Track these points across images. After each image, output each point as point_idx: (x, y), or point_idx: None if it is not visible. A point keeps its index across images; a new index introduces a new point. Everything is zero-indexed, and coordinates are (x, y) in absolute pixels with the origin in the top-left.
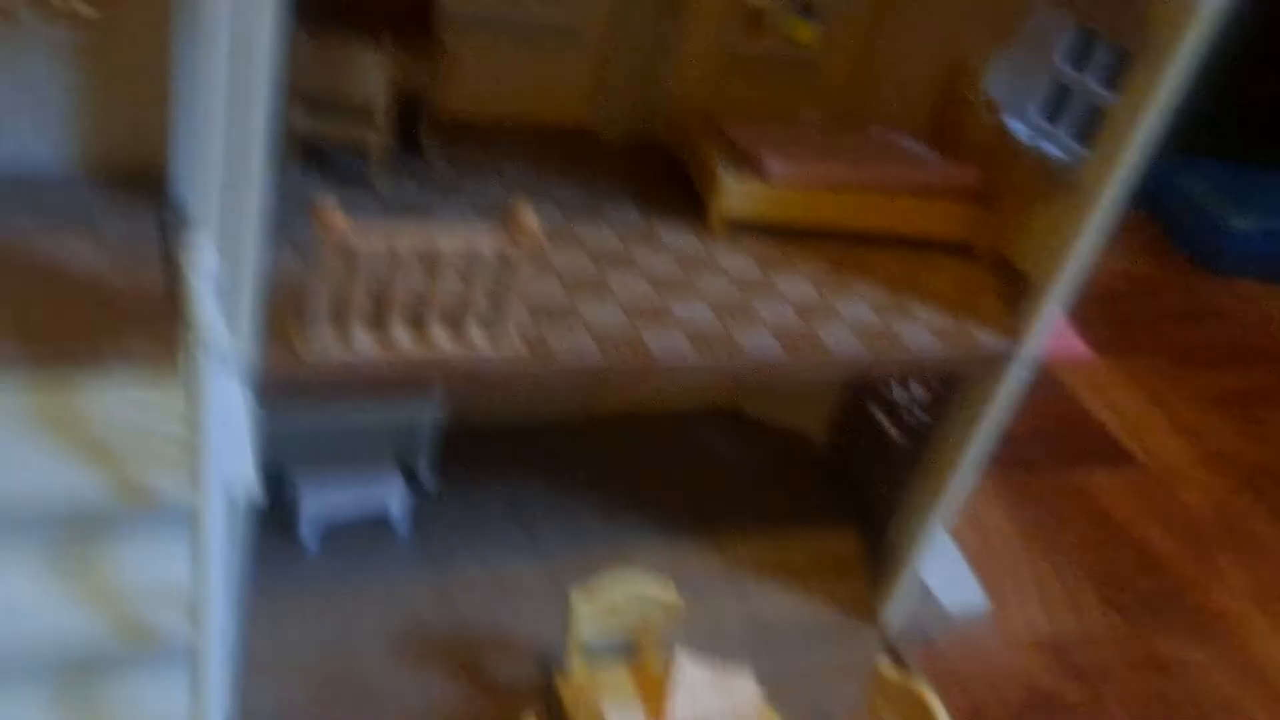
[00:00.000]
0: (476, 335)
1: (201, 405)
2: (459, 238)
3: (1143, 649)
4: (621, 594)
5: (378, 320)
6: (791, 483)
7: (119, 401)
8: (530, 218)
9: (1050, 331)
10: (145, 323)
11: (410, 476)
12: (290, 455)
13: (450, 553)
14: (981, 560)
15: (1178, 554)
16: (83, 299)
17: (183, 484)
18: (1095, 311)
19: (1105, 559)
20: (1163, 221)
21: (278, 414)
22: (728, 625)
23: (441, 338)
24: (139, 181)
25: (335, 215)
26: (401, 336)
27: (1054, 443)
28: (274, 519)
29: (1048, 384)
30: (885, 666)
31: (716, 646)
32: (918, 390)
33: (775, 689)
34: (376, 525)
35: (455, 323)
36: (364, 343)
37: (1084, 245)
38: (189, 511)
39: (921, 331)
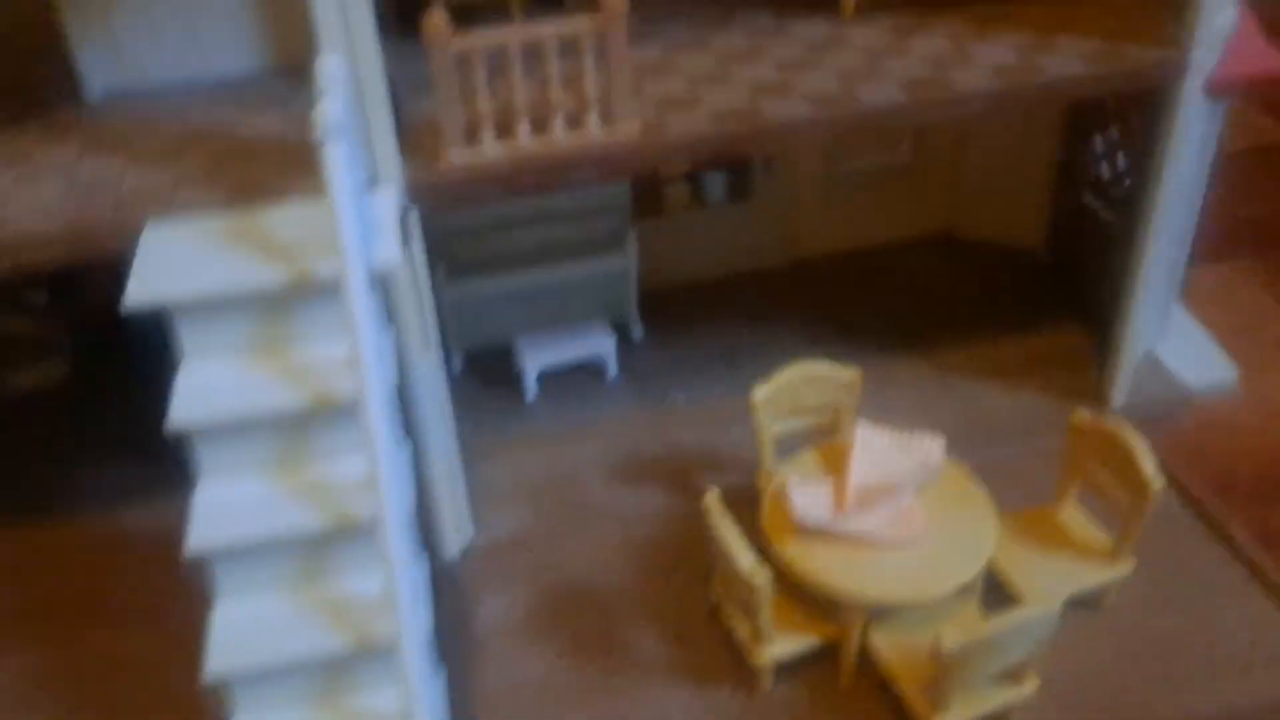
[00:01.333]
0: (594, 125)
1: (334, 208)
2: (555, 24)
3: None
4: (797, 377)
5: (505, 127)
6: (1010, 292)
7: (289, 219)
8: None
9: (1234, 46)
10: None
11: (620, 331)
12: (511, 324)
13: (661, 391)
14: (1235, 336)
15: None
16: (272, 154)
17: (334, 264)
18: None
19: None
20: None
21: (496, 292)
22: (941, 425)
23: (561, 132)
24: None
25: (441, 21)
26: (525, 136)
27: None
28: (504, 379)
29: None
30: (1079, 414)
31: None
32: (1122, 161)
33: (987, 474)
34: (592, 375)
35: (574, 119)
36: (492, 146)
37: None
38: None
39: (1067, 60)
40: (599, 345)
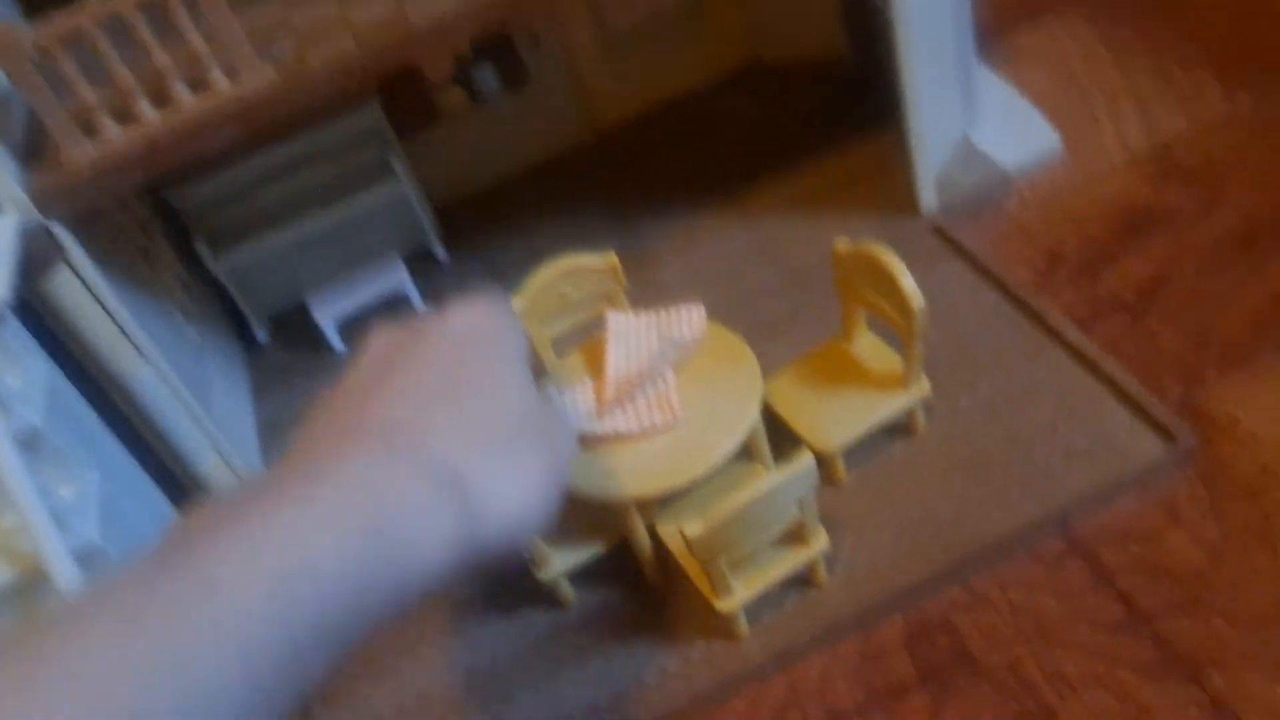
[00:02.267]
0: (221, 83)
1: None
2: None
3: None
4: (554, 274)
5: (123, 108)
6: (821, 112)
7: None
8: None
9: None
10: None
11: (423, 257)
12: (304, 280)
13: None
14: (1063, 96)
15: None
16: None
17: None
18: None
19: (1230, 34)
20: None
21: (272, 254)
22: (749, 277)
23: (186, 100)
24: None
25: None
26: (149, 112)
27: None
28: (311, 339)
29: None
30: (840, 241)
31: (744, 306)
32: None
33: (799, 318)
34: (400, 309)
35: (198, 81)
36: (116, 133)
37: None
38: None
39: None
40: (391, 279)
